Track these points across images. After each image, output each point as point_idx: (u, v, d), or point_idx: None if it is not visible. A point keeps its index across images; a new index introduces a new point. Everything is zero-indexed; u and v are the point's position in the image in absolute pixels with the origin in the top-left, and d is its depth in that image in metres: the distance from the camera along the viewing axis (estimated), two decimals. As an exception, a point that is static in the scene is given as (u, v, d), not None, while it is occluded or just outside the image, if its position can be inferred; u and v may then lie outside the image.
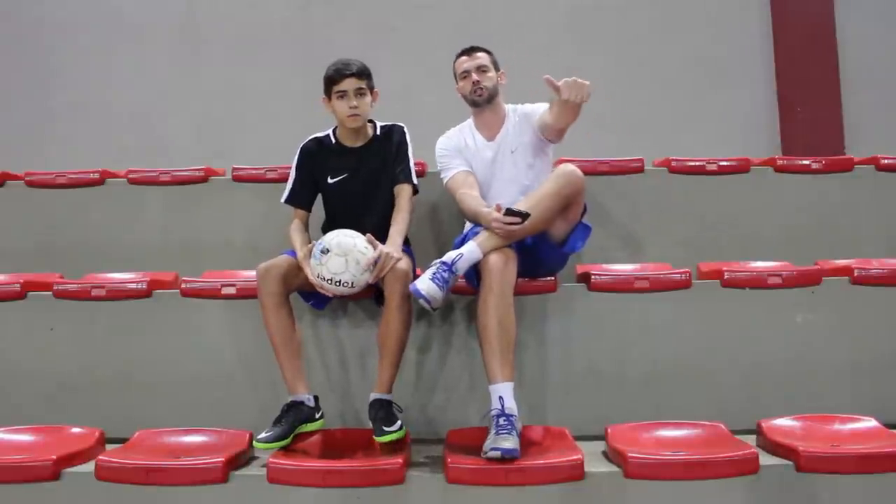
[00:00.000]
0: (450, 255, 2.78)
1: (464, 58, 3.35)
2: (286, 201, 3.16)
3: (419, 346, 3.07)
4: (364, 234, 2.79)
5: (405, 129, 3.14)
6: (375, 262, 2.71)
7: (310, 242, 2.89)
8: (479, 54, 3.34)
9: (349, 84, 2.98)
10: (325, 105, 3.08)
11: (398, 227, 2.95)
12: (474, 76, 3.29)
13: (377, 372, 2.77)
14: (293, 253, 2.91)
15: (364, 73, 3.01)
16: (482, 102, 3.31)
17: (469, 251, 2.78)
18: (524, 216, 2.76)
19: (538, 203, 2.85)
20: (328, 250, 2.71)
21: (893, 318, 3.14)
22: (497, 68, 3.35)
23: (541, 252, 3.05)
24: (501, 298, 2.69)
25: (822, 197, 4.01)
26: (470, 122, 3.42)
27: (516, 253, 2.84)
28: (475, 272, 2.84)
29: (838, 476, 2.42)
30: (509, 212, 2.76)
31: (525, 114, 3.32)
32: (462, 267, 2.76)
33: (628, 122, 6.13)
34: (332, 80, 3.00)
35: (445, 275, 2.72)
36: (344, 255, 2.70)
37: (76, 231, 3.99)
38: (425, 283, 2.70)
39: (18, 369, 3.15)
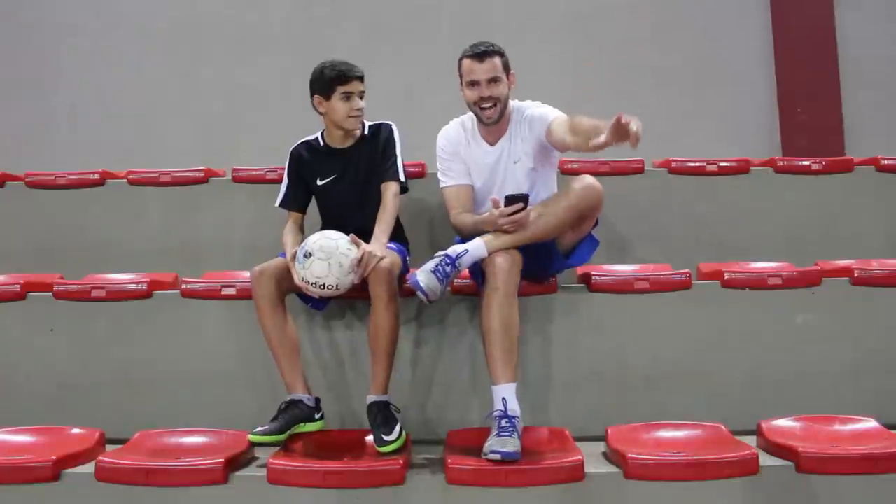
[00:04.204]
0: (455, 249, 2.74)
1: (473, 62, 2.96)
2: (280, 205, 3.18)
3: (419, 345, 3.06)
4: (358, 234, 2.79)
5: (393, 127, 3.12)
6: (359, 262, 2.70)
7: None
8: (492, 60, 2.95)
9: (356, 86, 3.00)
10: (317, 104, 3.06)
11: (382, 226, 2.92)
12: (485, 90, 2.96)
13: (371, 374, 2.76)
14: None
15: (363, 76, 3.04)
16: (491, 123, 3.03)
17: (475, 247, 2.74)
18: (524, 198, 2.73)
19: (553, 213, 2.80)
20: (311, 254, 2.70)
21: (893, 319, 3.13)
22: (508, 71, 3.02)
23: (545, 260, 2.99)
24: (506, 299, 2.65)
25: (822, 197, 4.00)
26: (473, 118, 3.12)
27: (522, 256, 2.78)
28: (480, 271, 2.81)
29: (838, 477, 2.42)
30: (509, 199, 2.72)
31: (531, 119, 3.05)
32: (466, 263, 2.73)
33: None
34: (338, 81, 2.99)
35: (448, 269, 2.69)
36: (327, 258, 2.68)
37: (76, 232, 3.98)
38: (425, 276, 2.67)
39: (18, 370, 3.14)
